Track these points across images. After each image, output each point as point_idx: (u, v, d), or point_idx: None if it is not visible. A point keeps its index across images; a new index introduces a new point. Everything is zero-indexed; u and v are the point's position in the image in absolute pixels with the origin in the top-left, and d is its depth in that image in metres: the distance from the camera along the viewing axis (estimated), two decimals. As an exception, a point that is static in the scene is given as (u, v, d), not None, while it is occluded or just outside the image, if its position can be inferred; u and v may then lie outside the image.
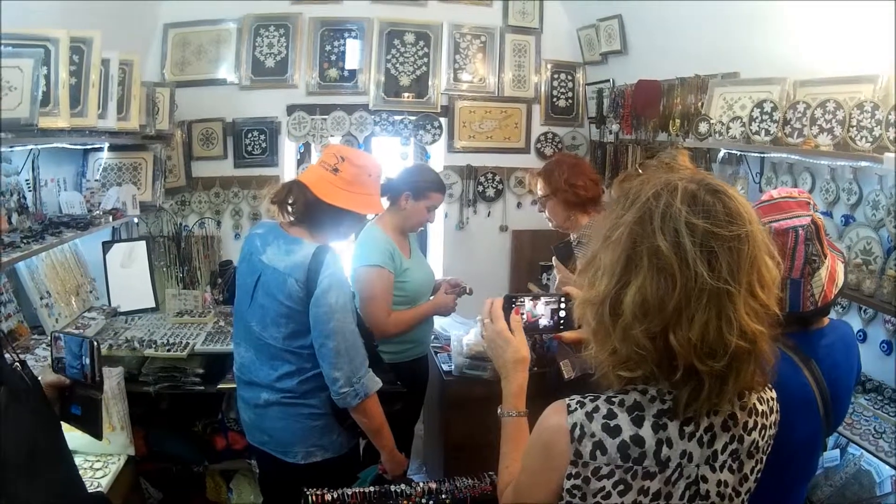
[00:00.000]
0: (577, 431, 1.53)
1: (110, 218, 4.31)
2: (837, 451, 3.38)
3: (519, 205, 6.46)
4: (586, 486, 1.54)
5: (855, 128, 3.19)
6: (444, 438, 4.71)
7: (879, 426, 3.11)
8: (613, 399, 1.56)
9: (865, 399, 3.31)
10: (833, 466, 3.34)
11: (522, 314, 2.09)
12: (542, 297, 2.12)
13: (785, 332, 1.60)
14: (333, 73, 5.81)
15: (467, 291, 4.19)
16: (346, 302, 2.95)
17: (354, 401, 2.94)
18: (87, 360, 2.32)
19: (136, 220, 5.01)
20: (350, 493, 2.89)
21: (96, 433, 2.48)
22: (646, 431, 1.52)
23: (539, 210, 4.07)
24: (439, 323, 4.73)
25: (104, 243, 4.84)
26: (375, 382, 3.00)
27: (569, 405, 1.58)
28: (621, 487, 1.53)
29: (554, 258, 3.74)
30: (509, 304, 2.09)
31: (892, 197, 3.23)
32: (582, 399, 1.58)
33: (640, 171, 3.12)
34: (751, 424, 1.61)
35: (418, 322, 4.03)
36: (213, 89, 5.67)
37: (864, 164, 3.21)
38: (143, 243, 5.09)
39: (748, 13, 3.95)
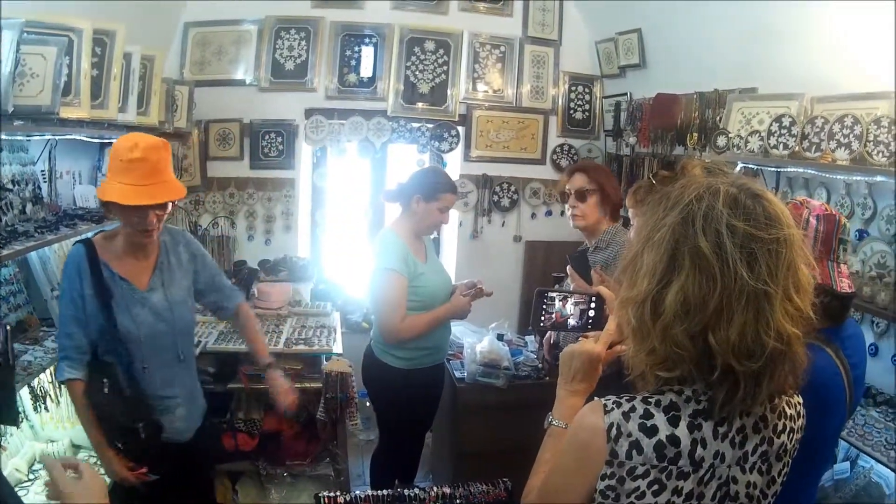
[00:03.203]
0: (614, 431, 1.53)
1: (126, 213, 4.29)
2: (847, 464, 3.40)
3: (533, 215, 6.47)
4: (620, 486, 1.54)
5: (872, 143, 3.24)
6: (454, 446, 4.69)
7: (891, 437, 3.10)
8: (650, 399, 1.56)
9: (877, 412, 3.32)
10: (843, 478, 3.36)
11: (551, 313, 2.10)
12: (572, 297, 2.13)
13: (818, 327, 1.60)
14: (353, 77, 5.81)
15: (485, 293, 4.13)
16: (63, 287, 3.04)
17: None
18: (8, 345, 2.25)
19: (150, 217, 4.99)
20: (363, 495, 2.89)
21: (13, 419, 2.39)
22: (681, 431, 1.52)
23: (571, 204, 3.98)
24: (453, 331, 4.67)
25: (118, 239, 4.79)
26: (63, 374, 2.97)
27: (605, 405, 1.57)
28: (656, 487, 1.53)
29: (569, 267, 3.71)
30: (541, 299, 2.10)
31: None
32: (618, 399, 1.58)
33: (654, 180, 3.10)
34: (780, 427, 1.62)
35: (433, 327, 4.00)
36: (231, 90, 5.67)
37: (879, 178, 3.27)
38: (156, 241, 5.03)
39: (766, 29, 4.00)
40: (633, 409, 1.54)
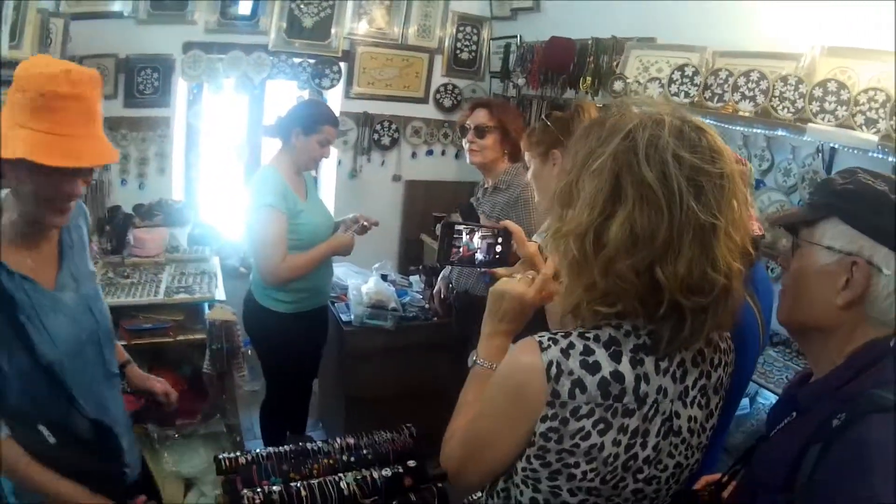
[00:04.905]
0: (554, 370, 1.46)
1: (-7, 158, 4.00)
2: (747, 400, 3.55)
3: (414, 155, 6.46)
4: (564, 427, 1.48)
5: (777, 98, 3.31)
6: (343, 392, 4.66)
7: (790, 375, 3.27)
8: (587, 335, 1.51)
9: (775, 351, 3.53)
10: (743, 414, 3.51)
11: (458, 247, 2.04)
12: (479, 230, 2.06)
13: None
14: (235, 10, 5.55)
15: (371, 222, 4.09)
16: None
17: None
18: None
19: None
20: (265, 453, 2.80)
21: None
22: (624, 367, 1.48)
23: (469, 139, 3.95)
24: (335, 272, 4.59)
25: (-18, 185, 4.49)
26: None
27: (540, 342, 1.50)
28: (601, 426, 1.48)
29: (457, 216, 3.71)
30: (449, 232, 2.03)
31: (806, 166, 3.40)
32: (553, 336, 1.51)
33: (548, 122, 3.08)
34: (716, 361, 1.62)
35: (316, 264, 3.90)
36: (108, 23, 5.22)
37: (781, 132, 3.35)
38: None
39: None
40: (571, 345, 1.49)
